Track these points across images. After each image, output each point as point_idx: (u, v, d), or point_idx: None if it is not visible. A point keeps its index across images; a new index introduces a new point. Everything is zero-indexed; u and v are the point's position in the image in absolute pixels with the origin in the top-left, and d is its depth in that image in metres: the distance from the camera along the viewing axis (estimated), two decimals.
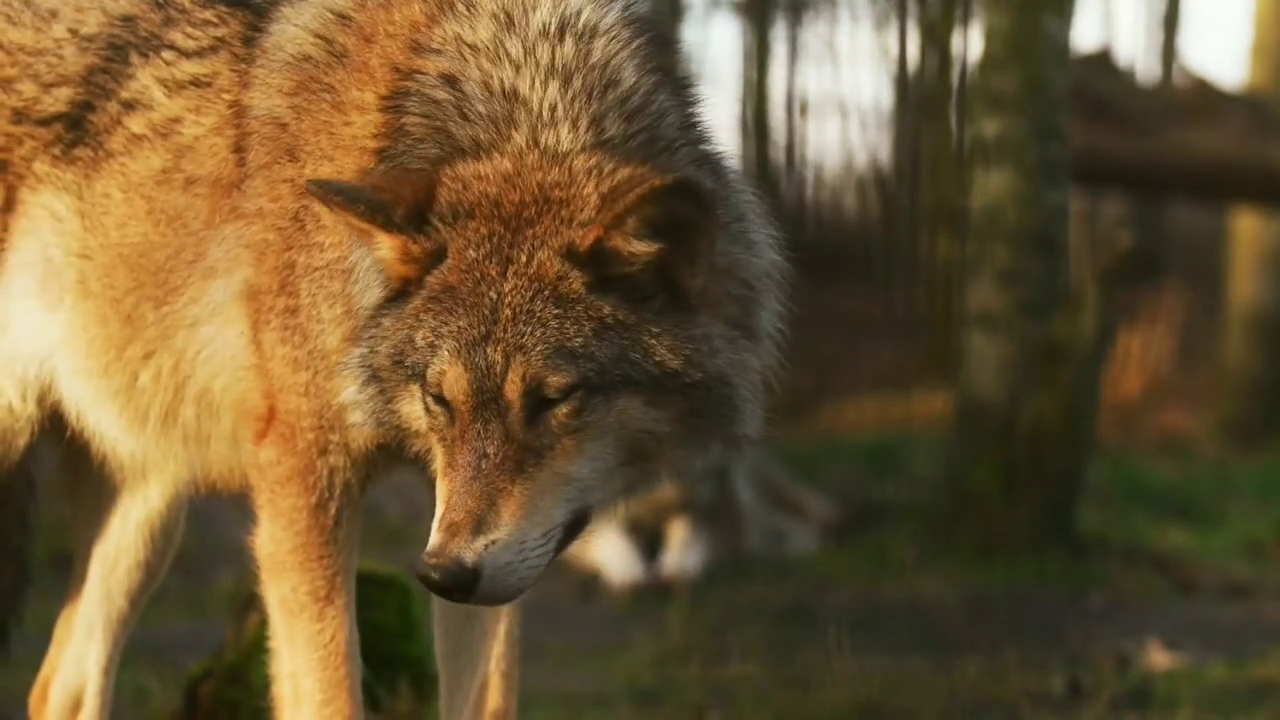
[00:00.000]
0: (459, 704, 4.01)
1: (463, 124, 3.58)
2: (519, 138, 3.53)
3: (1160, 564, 8.58)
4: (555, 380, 3.39)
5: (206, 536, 7.89)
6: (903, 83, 15.54)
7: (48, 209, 4.06)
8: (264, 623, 3.97)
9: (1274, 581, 8.47)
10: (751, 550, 9.00)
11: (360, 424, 3.64)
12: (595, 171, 3.48)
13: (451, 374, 3.43)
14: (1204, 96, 11.87)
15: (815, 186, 17.09)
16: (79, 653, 4.51)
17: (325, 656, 3.82)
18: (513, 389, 3.40)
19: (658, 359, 3.42)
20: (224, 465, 4.06)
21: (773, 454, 9.75)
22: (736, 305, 3.57)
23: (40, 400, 4.15)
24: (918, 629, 7.22)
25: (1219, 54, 31.43)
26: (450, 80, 3.61)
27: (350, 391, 3.61)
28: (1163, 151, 11.66)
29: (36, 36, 4.13)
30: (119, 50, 4.06)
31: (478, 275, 3.45)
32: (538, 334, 3.40)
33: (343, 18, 3.82)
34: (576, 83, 3.56)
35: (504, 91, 3.57)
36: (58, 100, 4.08)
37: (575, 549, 8.70)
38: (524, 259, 3.44)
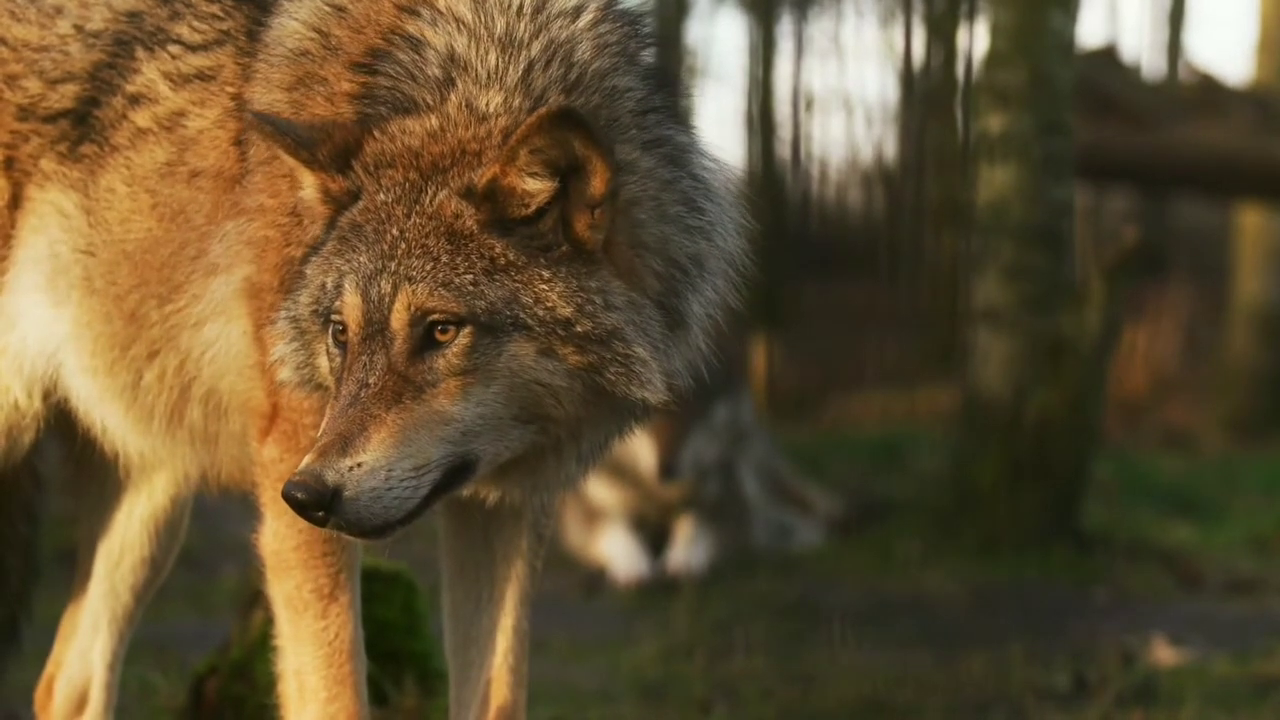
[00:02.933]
0: (467, 698, 3.99)
1: (413, 85, 3.61)
2: (455, 98, 3.57)
3: (1165, 559, 8.57)
4: (440, 312, 3.40)
5: (211, 532, 7.89)
6: (908, 78, 15.52)
7: (55, 206, 4.06)
8: (269, 619, 3.97)
9: (1279, 577, 8.46)
10: (757, 545, 8.99)
11: (288, 381, 3.65)
12: (512, 128, 3.50)
13: (350, 303, 3.46)
14: (1209, 92, 11.86)
15: (820, 182, 17.06)
16: (84, 648, 4.51)
17: (330, 653, 3.82)
18: (399, 319, 3.42)
19: (549, 304, 3.43)
20: (234, 466, 4.06)
21: (779, 449, 9.75)
22: (660, 283, 3.58)
23: (46, 397, 4.15)
24: (923, 624, 7.22)
25: (1224, 50, 31.46)
26: (415, 43, 3.65)
27: (279, 348, 3.63)
28: (1168, 147, 11.65)
29: (41, 33, 4.12)
30: (124, 45, 4.05)
31: (383, 215, 3.49)
32: (427, 267, 3.43)
33: (339, 9, 3.83)
34: (523, 55, 3.59)
35: (453, 57, 3.61)
36: (64, 97, 4.07)
37: (580, 544, 8.81)
38: (427, 200, 3.48)
